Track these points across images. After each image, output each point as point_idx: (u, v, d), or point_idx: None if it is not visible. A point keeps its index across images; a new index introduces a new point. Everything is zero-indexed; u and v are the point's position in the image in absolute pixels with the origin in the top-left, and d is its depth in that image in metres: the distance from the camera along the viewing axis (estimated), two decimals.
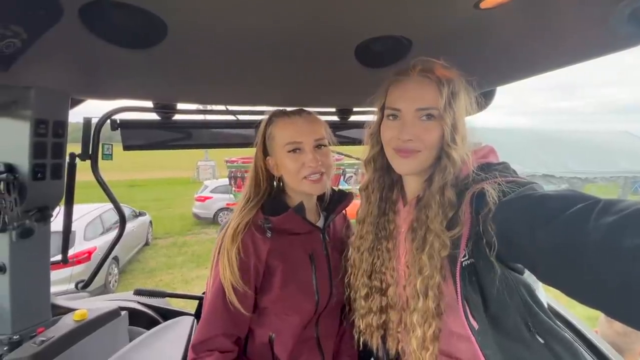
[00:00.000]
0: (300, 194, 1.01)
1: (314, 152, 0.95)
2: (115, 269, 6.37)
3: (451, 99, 0.77)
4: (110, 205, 1.54)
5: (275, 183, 1.07)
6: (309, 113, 1.02)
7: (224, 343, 0.93)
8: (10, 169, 1.08)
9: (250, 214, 0.98)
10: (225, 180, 10.59)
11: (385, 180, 0.93)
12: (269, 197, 1.03)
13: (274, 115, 1.02)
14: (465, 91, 0.81)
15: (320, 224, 1.08)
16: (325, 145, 1.00)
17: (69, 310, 1.37)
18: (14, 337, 1.15)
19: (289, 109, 1.05)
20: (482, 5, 0.80)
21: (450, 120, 0.77)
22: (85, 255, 5.31)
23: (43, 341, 1.13)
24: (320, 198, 1.11)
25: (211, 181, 12.55)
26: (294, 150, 0.95)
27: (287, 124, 0.98)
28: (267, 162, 1.03)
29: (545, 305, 1.23)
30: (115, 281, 6.26)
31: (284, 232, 0.98)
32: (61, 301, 1.46)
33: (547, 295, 1.32)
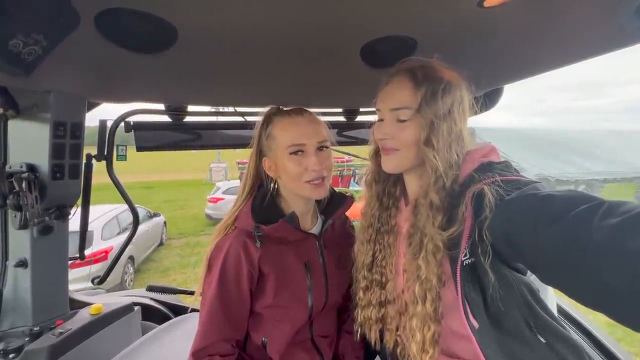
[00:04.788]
0: (297, 197, 0.98)
1: (317, 155, 0.93)
2: (131, 268, 6.56)
3: (429, 100, 0.76)
4: (126, 206, 1.61)
5: (272, 185, 1.02)
6: (310, 112, 0.99)
7: (224, 347, 0.93)
8: (31, 168, 1.14)
9: (232, 217, 0.97)
10: (237, 182, 10.76)
11: (390, 175, 0.94)
12: (261, 200, 0.99)
13: (273, 114, 0.98)
14: (453, 93, 0.78)
15: (316, 229, 1.05)
16: (327, 147, 0.97)
17: (85, 304, 1.43)
18: (35, 328, 1.21)
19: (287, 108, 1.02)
20: (486, 3, 0.80)
21: (426, 122, 0.75)
22: (103, 254, 5.49)
23: (61, 333, 1.19)
24: (319, 200, 1.06)
25: (223, 182, 12.78)
26: (296, 153, 0.92)
27: (289, 125, 0.94)
28: (263, 163, 0.99)
29: (555, 307, 1.22)
30: (131, 280, 6.44)
31: (276, 240, 0.95)
32: (78, 296, 1.52)
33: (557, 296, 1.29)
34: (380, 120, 0.85)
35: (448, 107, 0.77)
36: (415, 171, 0.85)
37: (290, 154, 0.92)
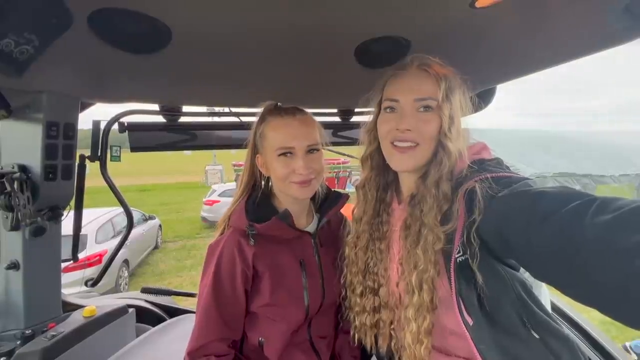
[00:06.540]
0: (289, 196, 0.98)
1: (305, 158, 0.92)
2: (126, 271, 6.49)
3: (449, 93, 0.78)
4: (120, 210, 1.61)
5: (263, 183, 1.03)
6: (304, 113, 0.98)
7: (220, 347, 0.92)
8: (23, 169, 1.13)
9: (227, 214, 0.98)
10: (233, 184, 10.73)
11: (381, 180, 0.94)
12: (255, 198, 0.99)
13: (267, 114, 0.98)
14: (460, 89, 0.82)
15: (311, 227, 1.05)
16: (317, 150, 0.96)
17: (78, 307, 1.42)
18: (27, 331, 1.20)
19: (284, 106, 1.01)
20: (478, 4, 0.81)
21: (448, 112, 0.77)
22: (97, 258, 5.42)
23: (54, 336, 1.18)
24: (314, 198, 1.07)
25: (219, 185, 12.72)
26: (284, 154, 0.92)
27: (280, 126, 0.93)
28: (256, 160, 0.99)
29: (549, 304, 1.22)
30: (126, 284, 6.37)
31: (270, 239, 0.95)
32: (71, 298, 1.51)
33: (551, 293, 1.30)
34: (389, 111, 0.83)
35: (459, 102, 0.80)
36: (417, 168, 0.84)
37: (279, 155, 0.92)
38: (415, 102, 0.79)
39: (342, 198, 1.08)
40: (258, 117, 1.00)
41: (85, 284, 1.67)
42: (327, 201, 1.08)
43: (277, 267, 0.96)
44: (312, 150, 0.94)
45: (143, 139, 1.48)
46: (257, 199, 0.99)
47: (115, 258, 1.77)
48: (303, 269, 0.99)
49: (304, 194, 0.95)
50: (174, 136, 1.55)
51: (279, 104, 1.01)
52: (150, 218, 8.59)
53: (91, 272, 5.13)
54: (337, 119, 1.80)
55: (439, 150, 0.79)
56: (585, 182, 7.27)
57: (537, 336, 0.74)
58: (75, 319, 1.31)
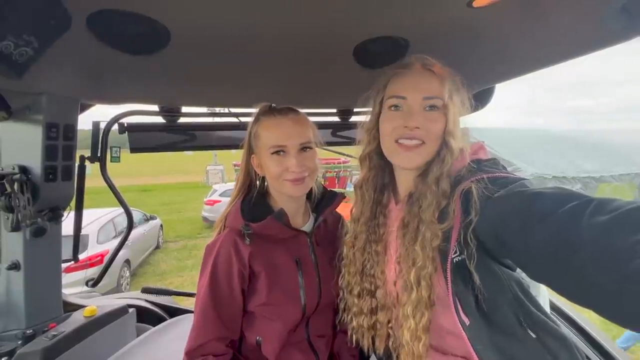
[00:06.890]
0: (283, 195, 0.99)
1: (298, 156, 0.93)
2: (127, 271, 6.51)
3: (453, 93, 0.79)
4: (121, 210, 1.63)
5: (258, 183, 1.05)
6: (297, 113, 0.99)
7: (218, 347, 0.93)
8: (23, 170, 1.14)
9: (224, 215, 1.00)
10: (234, 184, 10.74)
11: (378, 180, 0.94)
12: (250, 198, 1.01)
13: (261, 114, 0.99)
14: (462, 90, 0.83)
15: (307, 226, 1.06)
16: (310, 148, 0.97)
17: (79, 307, 1.43)
18: (28, 331, 1.20)
19: (277, 107, 1.02)
20: (475, 4, 0.81)
21: (453, 112, 0.79)
22: (99, 258, 5.44)
23: (55, 335, 1.19)
24: (310, 198, 1.09)
25: (220, 185, 12.73)
26: (277, 153, 0.93)
27: (273, 125, 0.95)
28: (252, 160, 1.01)
29: (547, 303, 1.23)
30: (127, 284, 6.39)
31: (266, 238, 0.96)
32: (72, 298, 1.51)
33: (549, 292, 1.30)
34: (394, 109, 0.83)
35: (461, 102, 0.81)
36: (420, 166, 0.85)
37: (272, 154, 0.94)
38: (423, 101, 0.80)
39: (337, 197, 1.09)
40: (253, 119, 1.01)
41: (86, 284, 1.68)
42: (324, 200, 1.09)
43: (273, 267, 0.96)
44: (305, 148, 0.95)
45: (143, 139, 1.48)
46: (253, 198, 1.00)
47: (117, 258, 1.78)
48: (299, 268, 0.99)
49: (298, 191, 0.96)
50: (174, 137, 1.56)
51: (273, 105, 1.02)
52: (152, 218, 8.61)
53: (93, 272, 5.15)
54: (336, 118, 1.80)
55: (442, 148, 0.80)
56: (587, 182, 7.24)
57: (534, 336, 0.74)
58: (76, 319, 1.32)
